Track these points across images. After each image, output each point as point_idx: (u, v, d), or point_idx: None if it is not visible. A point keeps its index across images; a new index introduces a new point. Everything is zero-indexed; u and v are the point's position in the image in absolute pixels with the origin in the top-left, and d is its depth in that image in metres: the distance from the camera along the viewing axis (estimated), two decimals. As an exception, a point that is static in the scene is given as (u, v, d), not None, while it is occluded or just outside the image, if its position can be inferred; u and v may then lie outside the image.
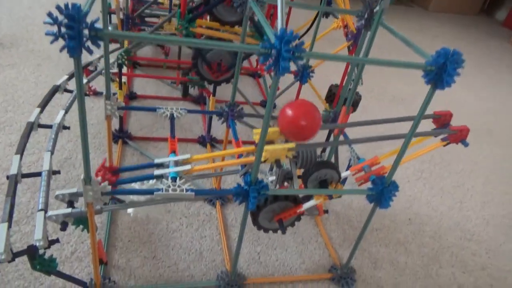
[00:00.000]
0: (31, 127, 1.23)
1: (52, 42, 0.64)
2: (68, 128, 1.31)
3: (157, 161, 0.97)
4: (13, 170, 1.03)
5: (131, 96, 1.92)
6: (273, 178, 1.17)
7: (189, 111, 1.17)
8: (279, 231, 1.12)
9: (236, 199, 0.92)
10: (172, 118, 1.14)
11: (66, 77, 1.53)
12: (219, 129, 1.82)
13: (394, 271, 1.31)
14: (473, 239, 1.52)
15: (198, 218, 1.33)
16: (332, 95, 1.72)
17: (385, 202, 1.01)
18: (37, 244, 0.85)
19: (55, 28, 0.62)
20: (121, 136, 1.61)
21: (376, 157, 1.12)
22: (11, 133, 1.53)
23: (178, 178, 0.91)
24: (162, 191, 0.86)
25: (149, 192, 0.86)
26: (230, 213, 1.38)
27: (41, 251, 0.88)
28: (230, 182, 1.50)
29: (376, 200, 1.03)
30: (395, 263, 1.34)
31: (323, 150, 1.54)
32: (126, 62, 1.46)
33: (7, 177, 1.03)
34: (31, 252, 0.87)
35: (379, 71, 2.80)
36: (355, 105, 1.69)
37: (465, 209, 1.68)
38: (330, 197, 1.07)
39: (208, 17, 1.45)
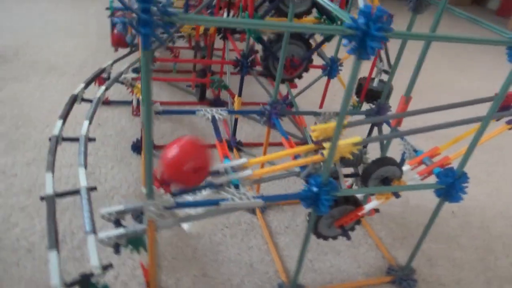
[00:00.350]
0: (56, 141, 1.13)
1: (121, 31, 0.55)
2: (94, 140, 1.21)
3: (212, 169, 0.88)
4: (48, 190, 0.93)
5: (146, 103, 1.82)
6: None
7: (230, 112, 1.09)
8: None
9: (304, 204, 0.84)
10: (214, 120, 1.05)
11: (82, 85, 1.43)
12: (241, 132, 1.74)
13: (452, 267, 1.25)
14: (521, 227, 1.47)
15: (240, 228, 1.24)
16: (363, 89, 1.65)
17: (456, 195, 0.94)
18: (95, 271, 0.75)
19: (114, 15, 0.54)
20: (141, 145, 1.51)
21: (437, 148, 1.05)
22: (26, 150, 1.42)
23: (240, 185, 0.82)
24: (228, 200, 0.78)
25: (215, 203, 0.77)
26: (272, 220, 1.30)
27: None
28: (264, 187, 1.41)
29: (446, 194, 0.96)
30: (450, 259, 1.28)
31: (365, 146, 1.46)
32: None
33: (42, 198, 0.93)
34: (85, 282, 0.78)
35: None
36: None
37: (504, 196, 1.63)
38: (397, 195, 0.99)
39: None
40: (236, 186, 0.82)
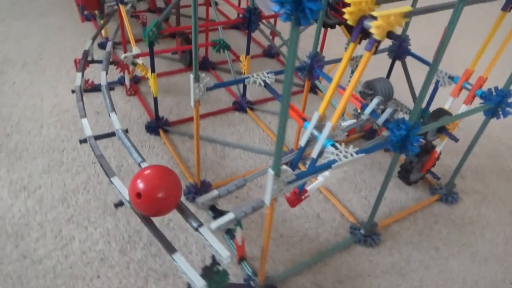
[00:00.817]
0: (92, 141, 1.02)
1: (285, 20, 0.49)
2: (127, 131, 1.11)
3: (303, 143, 0.86)
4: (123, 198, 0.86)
5: (135, 79, 1.68)
6: (348, 123, 1.12)
7: (276, 73, 1.05)
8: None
9: (393, 148, 0.88)
10: (266, 85, 1.01)
11: (79, 74, 1.30)
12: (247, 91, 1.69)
13: (476, 175, 1.39)
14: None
15: (290, 185, 1.26)
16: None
17: (505, 111, 1.03)
18: (226, 262, 0.73)
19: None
20: (159, 125, 1.42)
21: (467, 70, 1.11)
22: (34, 158, 1.27)
23: (336, 144, 0.82)
24: (335, 162, 0.78)
25: (328, 166, 0.77)
26: (315, 170, 1.33)
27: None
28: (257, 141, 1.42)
29: (494, 112, 1.04)
30: (472, 168, 1.42)
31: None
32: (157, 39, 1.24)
33: (117, 205, 0.86)
34: (210, 272, 0.76)
35: None
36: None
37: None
38: (456, 139, 1.12)
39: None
40: (333, 146, 0.82)
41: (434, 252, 1.10)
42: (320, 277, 1.01)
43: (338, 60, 1.18)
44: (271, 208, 0.75)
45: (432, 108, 1.20)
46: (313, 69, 1.10)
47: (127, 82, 1.57)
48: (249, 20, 1.34)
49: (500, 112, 1.03)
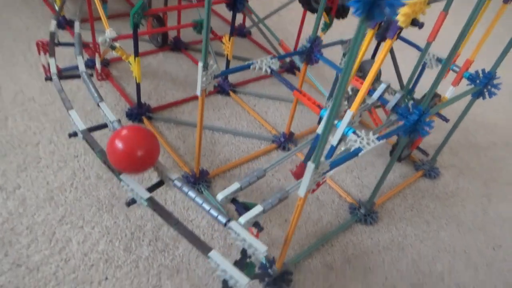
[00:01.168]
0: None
1: (360, 15, 0.47)
2: (119, 121, 1.03)
3: (319, 131, 0.85)
4: (143, 194, 0.81)
5: (105, 62, 1.55)
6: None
7: (279, 57, 1.02)
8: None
9: (404, 133, 0.90)
10: (273, 71, 0.98)
11: (54, 22, 1.32)
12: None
13: (450, 150, 1.50)
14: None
15: (286, 168, 1.27)
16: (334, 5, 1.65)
17: (491, 91, 1.11)
18: (263, 255, 0.72)
19: None
20: (142, 112, 1.33)
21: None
22: (4, 155, 1.13)
23: (356, 131, 0.83)
24: (360, 150, 0.79)
25: (356, 154, 0.78)
26: (305, 152, 1.34)
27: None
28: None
29: (480, 94, 1.11)
30: (448, 144, 1.52)
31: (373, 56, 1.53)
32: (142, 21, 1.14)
33: (129, 204, 0.81)
34: (242, 266, 0.75)
35: None
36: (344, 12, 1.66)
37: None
38: (446, 120, 1.15)
39: None
40: (355, 133, 0.83)
41: (426, 225, 1.18)
42: (329, 259, 1.03)
43: (337, 43, 1.17)
44: (304, 199, 0.75)
45: (418, 88, 1.25)
46: (313, 53, 1.09)
47: (98, 66, 1.44)
48: (235, 0, 1.28)
49: (486, 93, 1.10)
